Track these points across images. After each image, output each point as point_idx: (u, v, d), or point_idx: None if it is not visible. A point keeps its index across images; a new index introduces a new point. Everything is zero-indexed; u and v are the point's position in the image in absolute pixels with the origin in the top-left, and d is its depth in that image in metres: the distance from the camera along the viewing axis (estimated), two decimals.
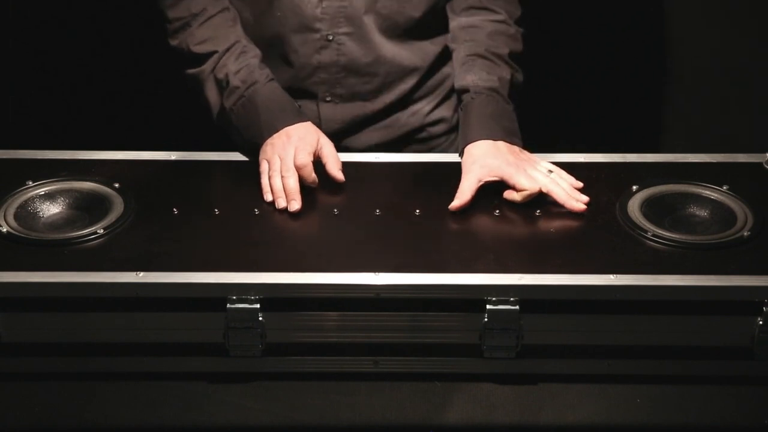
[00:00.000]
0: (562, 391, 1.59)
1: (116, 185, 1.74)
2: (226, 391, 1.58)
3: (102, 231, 1.64)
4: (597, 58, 2.59)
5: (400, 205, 1.73)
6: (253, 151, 1.85)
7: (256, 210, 1.72)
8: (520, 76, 1.94)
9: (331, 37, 1.92)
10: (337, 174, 1.79)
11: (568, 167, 1.81)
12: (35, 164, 1.81)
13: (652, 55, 2.61)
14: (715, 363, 1.59)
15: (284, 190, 1.74)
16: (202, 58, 1.91)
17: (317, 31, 1.92)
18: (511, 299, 1.54)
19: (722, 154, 1.86)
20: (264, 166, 1.80)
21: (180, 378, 1.59)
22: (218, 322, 1.55)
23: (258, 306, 1.54)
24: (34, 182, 1.74)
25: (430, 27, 1.98)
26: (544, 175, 1.76)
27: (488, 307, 1.54)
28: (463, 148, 1.82)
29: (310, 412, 1.56)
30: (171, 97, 2.58)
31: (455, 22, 1.97)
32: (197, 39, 1.91)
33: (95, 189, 1.74)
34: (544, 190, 1.73)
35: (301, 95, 1.96)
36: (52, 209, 1.72)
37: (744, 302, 1.54)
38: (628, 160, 1.86)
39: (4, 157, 1.83)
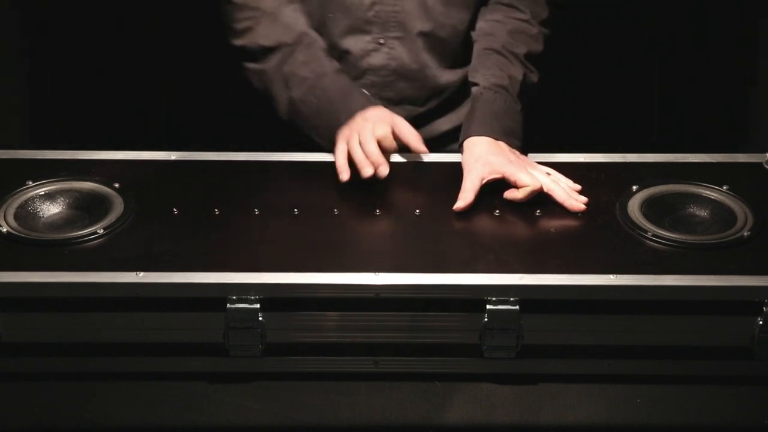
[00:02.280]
0: (562, 391, 1.59)
1: (116, 185, 1.74)
2: (226, 391, 1.58)
3: (102, 231, 1.64)
4: (597, 58, 2.59)
5: (400, 205, 1.73)
6: (325, 138, 1.85)
7: (256, 210, 1.72)
8: (534, 77, 1.94)
9: (382, 41, 1.93)
10: (421, 146, 1.80)
11: (568, 167, 1.81)
12: (35, 164, 1.81)
13: (652, 55, 2.61)
14: (715, 363, 1.59)
15: (368, 158, 1.74)
16: (269, 51, 1.92)
17: (368, 33, 1.93)
18: (511, 299, 1.54)
19: (722, 154, 1.86)
20: (341, 147, 1.79)
21: (180, 378, 1.59)
22: (218, 322, 1.55)
23: (258, 306, 1.54)
24: (34, 182, 1.74)
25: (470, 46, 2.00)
26: (544, 175, 1.76)
27: (488, 307, 1.54)
28: (463, 141, 1.82)
29: (310, 412, 1.56)
30: (171, 97, 2.59)
31: (482, 16, 1.98)
32: (264, 33, 1.91)
33: (95, 189, 1.74)
34: (545, 188, 1.73)
35: None
36: (52, 209, 1.72)
37: (744, 302, 1.54)
38: (628, 160, 1.86)
39: (4, 157, 1.83)
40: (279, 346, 1.57)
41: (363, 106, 1.85)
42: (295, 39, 1.91)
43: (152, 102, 2.61)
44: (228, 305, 1.53)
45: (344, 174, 1.75)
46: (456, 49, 1.99)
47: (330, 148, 1.83)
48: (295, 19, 1.93)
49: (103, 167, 1.81)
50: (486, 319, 1.54)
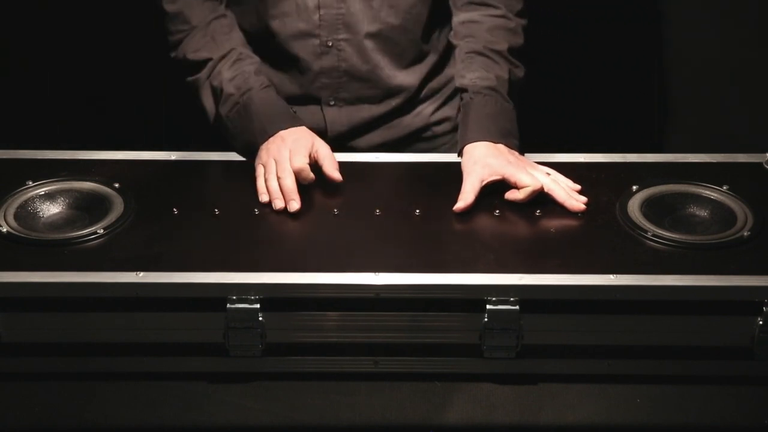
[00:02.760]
0: (562, 391, 1.59)
1: (116, 185, 1.74)
2: (226, 391, 1.58)
3: (102, 231, 1.64)
4: (597, 58, 2.59)
5: (400, 205, 1.73)
6: (249, 157, 1.85)
7: (256, 210, 1.72)
8: (520, 72, 1.93)
9: (330, 43, 1.93)
10: (334, 174, 1.78)
11: (568, 167, 1.81)
12: (35, 164, 1.81)
13: (653, 55, 2.61)
14: (715, 363, 1.59)
15: (282, 191, 1.74)
16: (198, 65, 1.92)
17: (316, 36, 1.93)
18: (511, 299, 1.54)
19: (722, 154, 1.86)
20: (260, 170, 1.80)
21: (180, 378, 1.59)
22: (218, 322, 1.55)
23: (258, 306, 1.54)
24: (34, 182, 1.74)
25: (428, 44, 1.99)
26: (544, 175, 1.76)
27: (488, 307, 1.54)
28: (462, 149, 1.82)
29: (310, 412, 1.56)
30: (171, 97, 2.58)
31: (456, 18, 1.97)
32: (193, 47, 1.92)
33: (95, 189, 1.74)
34: (545, 189, 1.73)
35: (307, 100, 1.98)
36: (52, 209, 1.72)
37: (744, 302, 1.54)
38: (628, 160, 1.86)
39: (4, 157, 1.83)
40: (279, 346, 1.57)
41: (284, 126, 1.84)
42: (222, 54, 1.90)
43: (152, 102, 2.60)
44: (228, 305, 1.53)
45: (263, 196, 1.75)
46: (408, 48, 1.97)
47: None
48: (225, 34, 1.93)
49: (103, 167, 1.81)
50: (486, 319, 1.54)
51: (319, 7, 1.91)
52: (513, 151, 1.81)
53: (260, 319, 1.54)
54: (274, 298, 1.54)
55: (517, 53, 1.94)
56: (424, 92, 2.02)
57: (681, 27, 2.58)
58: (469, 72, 1.89)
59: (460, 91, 1.90)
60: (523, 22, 1.96)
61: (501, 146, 1.81)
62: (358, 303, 1.55)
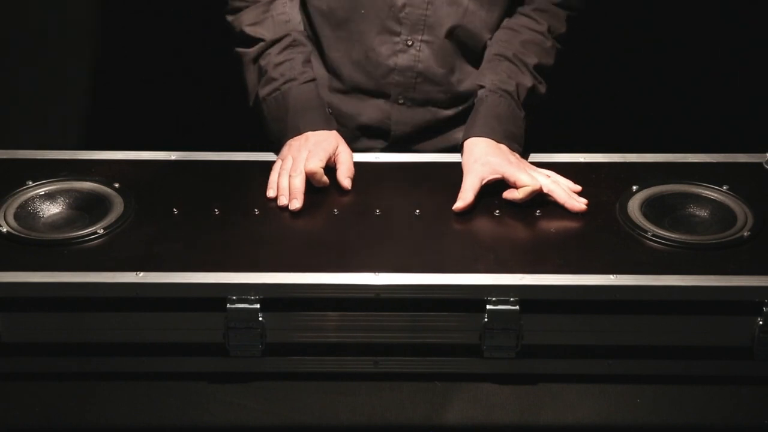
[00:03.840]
0: (562, 391, 1.59)
1: (116, 185, 1.74)
2: (226, 391, 1.58)
3: (102, 231, 1.64)
4: (597, 58, 2.59)
5: (400, 205, 1.73)
6: (277, 143, 1.86)
7: (256, 210, 1.72)
8: (542, 88, 1.93)
9: (410, 42, 1.92)
10: (344, 181, 1.79)
11: (568, 167, 1.81)
12: (35, 164, 1.81)
13: (653, 55, 2.61)
14: (715, 363, 1.59)
15: (289, 189, 1.74)
16: (251, 41, 1.92)
17: (397, 34, 1.92)
18: (511, 299, 1.54)
19: (722, 154, 1.86)
20: (277, 164, 1.80)
21: (180, 378, 1.59)
22: (218, 322, 1.55)
23: (258, 306, 1.54)
24: (34, 182, 1.74)
25: None
26: (545, 176, 1.76)
27: (488, 307, 1.54)
28: (464, 142, 1.82)
29: (310, 412, 1.56)
30: (171, 97, 2.59)
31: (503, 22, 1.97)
32: (251, 20, 1.92)
33: (95, 189, 1.74)
34: (545, 189, 1.73)
35: (376, 94, 1.96)
36: (52, 209, 1.72)
37: (744, 302, 1.54)
38: (628, 160, 1.86)
39: (4, 157, 1.83)
40: (279, 346, 1.57)
41: (314, 127, 1.85)
42: (276, 37, 1.91)
43: (152, 102, 2.60)
44: (228, 305, 1.53)
45: (270, 191, 1.76)
46: (481, 52, 1.96)
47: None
48: (284, 14, 1.93)
49: (103, 167, 1.81)
50: (486, 319, 1.54)
51: (405, 5, 1.90)
52: (514, 153, 1.81)
53: (260, 319, 1.54)
54: (274, 298, 1.54)
55: (544, 72, 1.94)
56: None
57: (681, 26, 2.58)
58: (492, 73, 1.90)
59: (478, 88, 1.90)
60: (560, 46, 1.96)
61: (502, 146, 1.81)
62: (358, 303, 1.55)
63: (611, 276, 1.54)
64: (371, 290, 1.54)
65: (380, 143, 1.98)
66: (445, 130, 2.00)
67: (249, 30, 1.92)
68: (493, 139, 1.81)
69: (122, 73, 2.59)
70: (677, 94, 2.65)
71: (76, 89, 2.61)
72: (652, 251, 1.62)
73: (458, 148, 1.87)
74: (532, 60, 1.92)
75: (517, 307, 1.54)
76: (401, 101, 1.97)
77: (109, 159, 1.84)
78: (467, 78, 1.96)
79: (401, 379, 1.60)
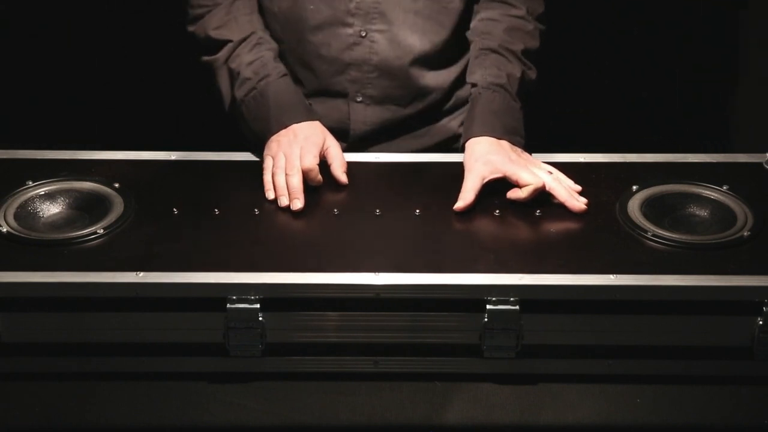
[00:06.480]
0: (562, 391, 1.59)
1: (116, 185, 1.74)
2: (226, 391, 1.58)
3: (102, 231, 1.64)
4: (597, 58, 2.59)
5: (400, 205, 1.73)
6: (260, 144, 1.85)
7: (256, 210, 1.72)
8: (532, 74, 1.92)
9: (364, 34, 1.91)
10: (341, 176, 1.78)
11: (568, 167, 1.81)
12: (35, 164, 1.81)
13: (652, 55, 2.61)
14: (715, 363, 1.59)
15: (288, 189, 1.74)
16: (218, 45, 1.91)
17: (350, 26, 1.91)
18: (511, 299, 1.54)
19: (722, 154, 1.86)
20: (268, 163, 1.79)
21: (180, 378, 1.59)
22: (218, 322, 1.55)
23: (258, 306, 1.54)
24: (34, 182, 1.74)
25: (459, 47, 1.97)
26: (546, 173, 1.76)
27: (488, 307, 1.54)
28: (465, 143, 1.82)
29: (310, 412, 1.56)
30: (171, 96, 2.59)
31: (476, 15, 1.96)
32: (215, 24, 1.91)
33: (95, 189, 1.74)
34: (547, 187, 1.73)
35: (332, 94, 1.95)
36: (52, 209, 1.72)
37: (744, 302, 1.54)
38: (628, 160, 1.86)
39: (4, 157, 1.83)
40: (279, 346, 1.57)
41: (298, 118, 1.83)
42: (243, 37, 1.89)
43: (152, 102, 2.61)
44: (228, 305, 1.53)
45: (269, 192, 1.74)
46: (441, 46, 1.94)
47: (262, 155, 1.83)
48: (247, 15, 1.91)
49: (103, 167, 1.81)
50: (486, 319, 1.54)
51: None
52: (516, 148, 1.81)
53: (260, 319, 1.54)
54: (274, 298, 1.54)
55: (531, 56, 1.93)
56: (452, 101, 2.00)
57: (681, 26, 2.58)
58: (481, 68, 1.89)
59: (470, 86, 1.90)
60: (542, 26, 1.96)
61: (504, 143, 1.81)
62: (358, 303, 1.55)
63: (611, 276, 1.54)
64: (371, 290, 1.54)
65: (341, 144, 1.96)
66: (406, 132, 1.99)
67: (214, 34, 1.90)
68: (493, 137, 1.81)
69: (122, 73, 2.59)
70: (677, 94, 2.65)
71: (76, 89, 2.61)
72: (652, 251, 1.62)
73: (428, 150, 1.88)
74: (518, 47, 1.91)
75: (517, 307, 1.54)
76: (359, 99, 1.95)
77: (109, 159, 1.84)
78: (427, 72, 1.94)
79: (401, 379, 1.60)
